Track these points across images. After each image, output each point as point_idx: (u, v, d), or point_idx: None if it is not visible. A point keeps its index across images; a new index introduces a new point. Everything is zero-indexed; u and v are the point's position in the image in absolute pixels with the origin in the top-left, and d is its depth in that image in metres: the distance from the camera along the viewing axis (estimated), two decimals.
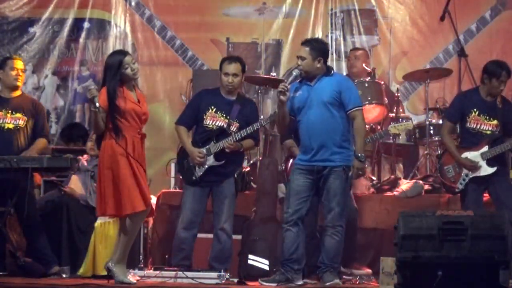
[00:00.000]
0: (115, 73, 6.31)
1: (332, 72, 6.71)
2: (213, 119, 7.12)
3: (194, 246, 7.08)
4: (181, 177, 7.46)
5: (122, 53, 6.57)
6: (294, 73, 6.59)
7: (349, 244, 7.10)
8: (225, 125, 7.07)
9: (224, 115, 7.10)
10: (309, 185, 6.53)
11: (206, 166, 7.02)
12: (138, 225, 6.54)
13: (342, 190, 6.51)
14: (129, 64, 6.34)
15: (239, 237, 7.42)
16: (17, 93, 7.34)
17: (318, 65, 6.58)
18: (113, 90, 6.29)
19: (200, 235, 7.19)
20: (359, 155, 6.51)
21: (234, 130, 7.07)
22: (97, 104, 6.23)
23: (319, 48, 6.61)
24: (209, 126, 7.12)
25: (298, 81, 6.70)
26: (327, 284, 6.43)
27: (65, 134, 8.82)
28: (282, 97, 6.47)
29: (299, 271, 6.57)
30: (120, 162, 6.26)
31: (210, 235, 7.19)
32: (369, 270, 7.31)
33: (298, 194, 6.53)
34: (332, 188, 6.48)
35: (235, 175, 7.05)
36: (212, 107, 7.12)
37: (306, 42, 6.68)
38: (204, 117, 7.12)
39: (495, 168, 7.04)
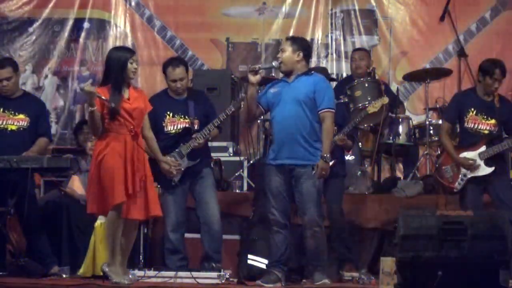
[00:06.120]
0: (122, 69, 6.18)
1: (312, 72, 6.63)
2: (174, 124, 7.03)
3: (186, 245, 7.07)
4: (158, 185, 7.09)
5: (130, 51, 6.46)
6: (274, 63, 6.45)
7: (341, 246, 7.10)
8: (188, 125, 7.01)
9: (183, 116, 7.03)
10: (286, 184, 6.47)
11: (183, 169, 6.96)
12: (113, 226, 6.18)
13: (317, 189, 6.43)
14: (134, 61, 6.23)
15: (238, 237, 7.41)
16: (18, 93, 7.31)
17: (297, 59, 6.47)
18: (118, 84, 6.17)
19: (197, 235, 7.17)
20: (325, 155, 6.41)
21: (197, 128, 6.98)
22: (104, 99, 6.05)
23: (300, 42, 6.56)
24: (171, 131, 7.03)
25: (279, 78, 6.57)
26: (318, 283, 6.42)
27: (80, 131, 8.77)
28: (251, 77, 6.30)
29: (286, 272, 6.57)
30: (94, 161, 6.26)
31: None
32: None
33: (280, 194, 6.48)
34: (305, 188, 6.40)
35: (211, 165, 7.07)
36: (168, 112, 7.03)
37: (288, 37, 6.67)
38: (164, 124, 7.02)
39: (492, 168, 7.02)
